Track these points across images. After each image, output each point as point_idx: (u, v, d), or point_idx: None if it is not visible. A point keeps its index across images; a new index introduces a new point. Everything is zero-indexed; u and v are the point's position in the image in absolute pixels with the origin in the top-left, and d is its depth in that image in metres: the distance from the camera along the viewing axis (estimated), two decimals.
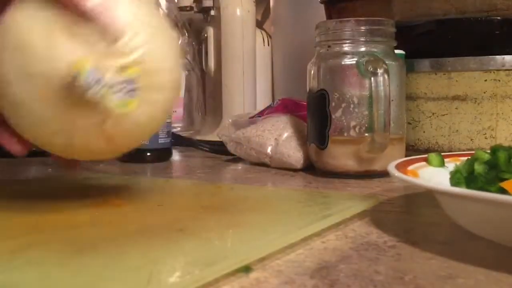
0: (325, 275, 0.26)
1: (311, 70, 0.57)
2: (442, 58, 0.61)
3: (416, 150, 0.63)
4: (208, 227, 0.34)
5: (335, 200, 0.42)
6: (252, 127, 0.67)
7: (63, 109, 0.35)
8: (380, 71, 0.51)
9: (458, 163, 0.40)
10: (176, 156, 0.78)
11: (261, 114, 0.71)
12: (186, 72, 1.05)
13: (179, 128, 1.01)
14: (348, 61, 0.54)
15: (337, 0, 0.71)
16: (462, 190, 0.32)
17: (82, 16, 0.35)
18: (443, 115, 0.61)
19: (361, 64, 0.52)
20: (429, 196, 0.40)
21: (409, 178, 0.33)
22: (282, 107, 0.70)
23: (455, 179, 0.37)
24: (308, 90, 0.58)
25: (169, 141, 0.72)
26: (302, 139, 0.61)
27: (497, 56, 0.59)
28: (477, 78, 0.60)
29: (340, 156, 0.54)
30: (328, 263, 0.28)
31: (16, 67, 0.35)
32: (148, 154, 0.69)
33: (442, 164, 0.40)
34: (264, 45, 1.02)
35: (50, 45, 0.34)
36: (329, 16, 0.74)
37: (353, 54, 0.54)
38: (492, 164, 0.37)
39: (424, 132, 0.63)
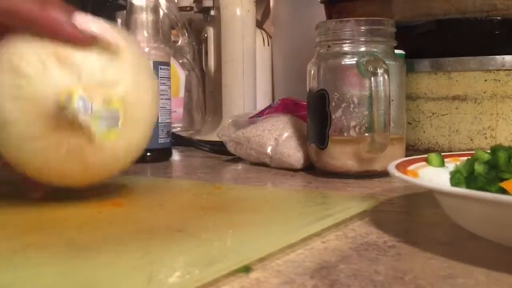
0: (325, 275, 0.26)
1: (311, 70, 0.57)
2: (442, 58, 0.61)
3: (416, 150, 0.63)
4: (208, 227, 0.34)
5: (335, 200, 0.42)
6: (252, 127, 0.67)
7: (50, 130, 0.37)
8: (380, 71, 0.51)
9: (458, 163, 0.40)
10: (176, 156, 0.78)
11: (261, 114, 0.71)
12: (186, 72, 1.05)
13: (179, 128, 1.01)
14: (348, 61, 0.54)
15: (337, 0, 0.71)
16: (462, 190, 0.32)
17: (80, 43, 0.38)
18: (443, 115, 0.61)
19: (361, 64, 0.52)
20: (429, 196, 0.40)
21: (409, 178, 0.33)
22: (282, 107, 0.70)
23: (455, 179, 0.37)
24: (308, 90, 0.58)
25: (169, 141, 0.72)
26: (302, 139, 0.61)
27: (497, 56, 0.59)
28: (477, 78, 0.60)
29: (340, 156, 0.54)
30: (328, 263, 0.28)
31: (8, 89, 0.37)
32: (148, 154, 0.69)
33: (442, 164, 0.40)
34: (264, 45, 1.02)
35: (42, 72, 0.37)
36: (329, 16, 0.74)
37: (353, 54, 0.54)
38: (492, 164, 0.37)
39: (424, 132, 0.63)
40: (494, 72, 0.59)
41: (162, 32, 0.82)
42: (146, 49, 0.70)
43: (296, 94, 0.76)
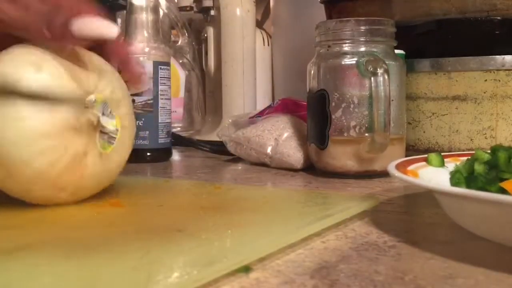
0: (325, 275, 0.26)
1: (311, 70, 0.57)
2: (442, 58, 0.61)
3: (416, 150, 0.63)
4: (208, 227, 0.34)
5: (335, 200, 0.42)
6: (252, 127, 0.67)
7: (63, 130, 0.37)
8: (380, 71, 0.51)
9: (458, 163, 0.40)
10: (176, 156, 0.78)
11: (261, 114, 0.71)
12: (186, 72, 1.05)
13: (179, 128, 1.01)
14: (348, 61, 0.54)
15: (337, 0, 0.71)
16: (462, 190, 0.32)
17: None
18: (443, 115, 0.61)
19: (361, 64, 0.52)
20: (429, 196, 0.40)
21: (409, 178, 0.33)
22: (282, 107, 0.70)
23: (455, 179, 0.37)
24: (308, 90, 0.58)
25: (169, 141, 0.72)
26: (302, 139, 0.61)
27: (497, 56, 0.59)
28: (477, 78, 0.60)
29: (340, 156, 0.54)
30: (328, 263, 0.28)
31: (25, 82, 0.37)
32: (148, 154, 0.69)
33: (442, 164, 0.40)
34: (264, 45, 1.02)
35: (64, 70, 0.38)
36: (329, 16, 0.74)
37: (353, 54, 0.54)
38: (492, 164, 0.37)
39: (424, 132, 0.63)
40: (494, 72, 0.59)
41: (162, 32, 0.82)
42: (146, 49, 0.70)
43: (296, 94, 0.76)
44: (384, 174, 0.52)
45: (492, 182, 0.35)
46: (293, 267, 0.28)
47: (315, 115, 0.56)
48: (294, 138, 0.62)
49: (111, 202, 0.41)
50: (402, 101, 0.56)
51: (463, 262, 0.28)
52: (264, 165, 0.64)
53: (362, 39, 0.54)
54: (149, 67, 0.69)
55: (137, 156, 0.67)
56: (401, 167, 0.36)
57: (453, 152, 0.48)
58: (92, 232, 0.33)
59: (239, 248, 0.29)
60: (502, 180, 0.35)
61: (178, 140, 0.79)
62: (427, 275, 0.26)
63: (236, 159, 0.70)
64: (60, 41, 0.38)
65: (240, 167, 0.66)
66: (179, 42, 1.08)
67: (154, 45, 0.70)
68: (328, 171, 0.56)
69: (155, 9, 0.72)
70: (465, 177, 0.37)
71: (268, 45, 1.03)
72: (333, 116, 0.54)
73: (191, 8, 0.99)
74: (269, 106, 0.73)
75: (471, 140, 0.60)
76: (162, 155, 0.71)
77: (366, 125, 0.53)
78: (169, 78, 0.72)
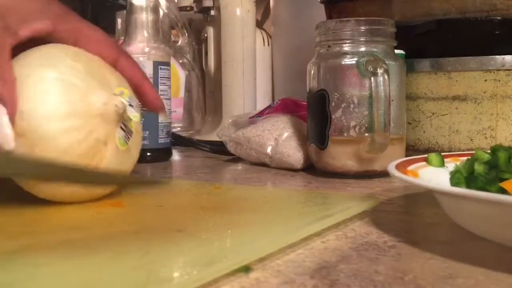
0: (325, 275, 0.26)
1: (311, 70, 0.57)
2: (442, 58, 0.61)
3: (416, 150, 0.63)
4: (208, 227, 0.34)
5: (335, 200, 0.42)
6: (252, 127, 0.67)
7: (91, 114, 0.39)
8: (380, 71, 0.51)
9: (458, 163, 0.40)
10: (176, 156, 0.78)
11: (261, 114, 0.71)
12: (186, 72, 1.05)
13: (179, 128, 1.01)
14: (348, 61, 0.54)
15: (337, 0, 0.71)
16: (462, 190, 0.32)
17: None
18: (443, 115, 0.61)
19: (361, 64, 0.52)
20: (429, 196, 0.40)
21: (409, 178, 0.33)
22: (282, 107, 0.70)
23: (455, 179, 0.37)
24: (308, 90, 0.58)
25: (169, 141, 0.72)
26: (302, 139, 0.61)
27: (497, 56, 0.59)
28: (477, 78, 0.60)
29: (340, 156, 0.54)
30: (328, 263, 0.28)
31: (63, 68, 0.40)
32: (148, 154, 0.69)
33: (442, 164, 0.40)
34: (264, 45, 1.02)
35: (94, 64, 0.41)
36: (329, 16, 0.74)
37: (353, 54, 0.54)
38: (492, 164, 0.37)
39: (424, 132, 0.63)
40: (494, 72, 0.59)
41: (162, 32, 0.82)
42: (146, 49, 0.70)
43: (296, 94, 0.76)
44: (384, 174, 0.52)
45: (492, 182, 0.35)
46: (293, 267, 0.28)
47: (315, 115, 0.56)
48: (294, 138, 0.62)
49: (111, 202, 0.41)
50: (402, 101, 0.56)
51: (463, 262, 0.28)
52: (264, 165, 0.64)
53: (362, 39, 0.54)
54: (149, 67, 0.69)
55: None
56: (401, 167, 0.36)
57: (453, 152, 0.48)
58: (92, 232, 0.33)
59: (239, 248, 0.29)
60: (502, 180, 0.35)
61: (178, 140, 0.79)
62: (427, 275, 0.26)
63: (236, 159, 0.70)
64: None
65: (240, 167, 0.66)
66: (179, 42, 1.08)
67: (154, 45, 0.70)
68: (328, 171, 0.56)
69: (155, 9, 0.72)
70: (465, 177, 0.37)
71: (268, 45, 1.03)
72: (333, 116, 0.54)
73: (191, 8, 0.99)
74: (269, 106, 0.73)
75: (471, 140, 0.60)
76: (162, 155, 0.71)
77: (366, 125, 0.53)
78: (169, 78, 0.72)
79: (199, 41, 1.05)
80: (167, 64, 0.72)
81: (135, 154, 0.44)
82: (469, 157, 0.39)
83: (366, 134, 0.53)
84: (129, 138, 0.42)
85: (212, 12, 0.95)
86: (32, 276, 0.25)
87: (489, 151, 0.38)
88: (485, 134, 0.60)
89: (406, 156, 0.47)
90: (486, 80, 0.59)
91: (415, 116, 0.63)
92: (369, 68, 0.52)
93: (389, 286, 0.25)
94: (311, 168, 0.59)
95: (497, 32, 0.61)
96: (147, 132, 0.69)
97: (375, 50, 0.54)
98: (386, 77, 0.51)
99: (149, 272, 0.25)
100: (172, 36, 1.08)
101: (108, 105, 0.39)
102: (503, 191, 0.33)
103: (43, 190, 0.40)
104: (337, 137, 0.54)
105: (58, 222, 0.36)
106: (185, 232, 0.32)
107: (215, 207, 0.39)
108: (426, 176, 0.37)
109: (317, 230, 0.33)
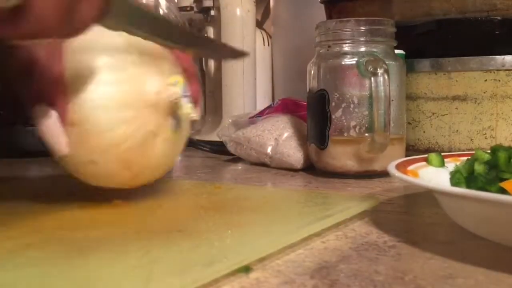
0: (325, 275, 0.26)
1: (311, 70, 0.57)
2: (442, 58, 0.61)
3: (416, 150, 0.63)
4: (208, 227, 0.34)
5: (335, 200, 0.42)
6: (252, 127, 0.67)
7: (145, 105, 0.37)
8: (380, 71, 0.51)
9: (458, 163, 0.40)
10: None
11: (261, 114, 0.71)
12: None
13: None
14: (348, 61, 0.54)
15: (337, 0, 0.71)
16: (462, 190, 0.32)
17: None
18: (443, 115, 0.61)
19: (361, 64, 0.52)
20: (429, 196, 0.40)
21: (409, 178, 0.33)
22: (282, 107, 0.70)
23: (455, 179, 0.37)
24: (308, 90, 0.58)
25: None
26: (302, 139, 0.61)
27: (497, 56, 0.59)
28: (477, 78, 0.60)
29: (340, 156, 0.54)
30: (328, 263, 0.28)
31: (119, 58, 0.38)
32: None
33: (442, 164, 0.40)
34: (264, 45, 1.02)
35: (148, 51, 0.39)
36: (329, 16, 0.74)
37: (353, 54, 0.54)
38: (492, 164, 0.37)
39: (424, 132, 0.63)
40: (494, 72, 0.59)
41: None
42: None
43: (296, 94, 0.76)
44: (384, 174, 0.52)
45: (492, 182, 0.35)
46: (293, 267, 0.28)
47: (315, 115, 0.56)
48: (294, 138, 0.62)
49: (111, 202, 0.41)
50: (402, 101, 0.56)
51: (463, 262, 0.28)
52: (264, 165, 0.64)
53: (362, 39, 0.54)
54: None
55: None
56: (401, 167, 0.36)
57: (453, 152, 0.48)
58: (92, 232, 0.33)
59: (239, 248, 0.29)
60: (502, 180, 0.35)
61: None
62: (427, 275, 0.26)
63: (236, 159, 0.70)
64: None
65: (240, 167, 0.66)
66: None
67: None
68: (328, 171, 0.56)
69: (155, 9, 0.72)
70: (465, 177, 0.37)
71: (268, 45, 1.03)
72: (333, 116, 0.54)
73: (191, 8, 0.99)
74: (269, 106, 0.73)
75: (471, 140, 0.60)
76: None
77: (366, 125, 0.53)
78: None
79: None
80: None
81: (183, 140, 0.43)
82: (469, 157, 0.39)
83: (366, 134, 0.53)
84: (179, 126, 0.40)
85: (212, 12, 0.95)
86: (31, 276, 0.25)
87: (489, 151, 0.38)
88: (485, 134, 0.60)
89: (406, 156, 0.47)
90: (486, 80, 0.59)
91: (415, 116, 0.63)
92: (369, 68, 0.52)
93: (389, 286, 0.25)
94: (311, 168, 0.59)
95: (497, 32, 0.61)
96: None
97: (375, 50, 0.54)
98: (386, 77, 0.51)
99: (149, 272, 0.25)
100: None
101: (161, 95, 0.38)
102: (503, 191, 0.33)
103: (87, 173, 0.39)
104: (337, 137, 0.54)
105: (59, 222, 0.36)
106: (185, 232, 0.32)
107: (215, 207, 0.39)
108: (426, 176, 0.37)
109: (317, 230, 0.33)
